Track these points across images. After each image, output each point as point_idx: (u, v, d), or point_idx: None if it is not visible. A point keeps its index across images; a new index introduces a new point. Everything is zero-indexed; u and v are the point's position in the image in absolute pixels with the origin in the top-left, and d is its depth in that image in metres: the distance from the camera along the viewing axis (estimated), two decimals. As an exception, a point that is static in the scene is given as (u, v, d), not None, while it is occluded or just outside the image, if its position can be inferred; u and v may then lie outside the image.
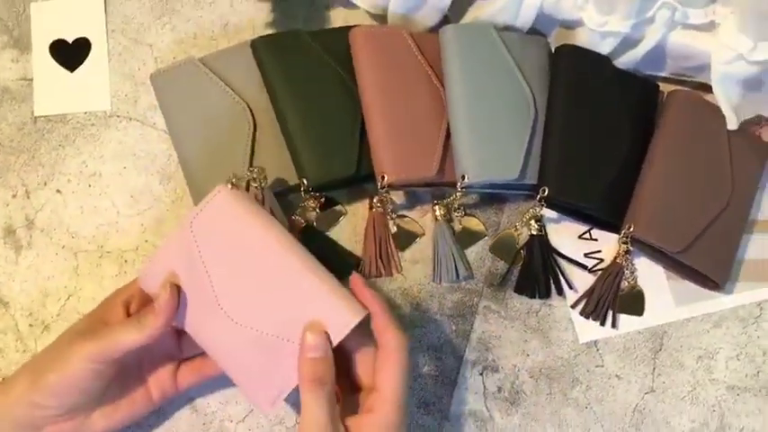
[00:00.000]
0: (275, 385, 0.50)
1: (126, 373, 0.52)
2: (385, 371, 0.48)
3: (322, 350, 0.48)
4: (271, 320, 0.50)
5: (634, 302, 0.61)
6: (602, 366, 0.60)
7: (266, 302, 0.50)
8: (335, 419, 0.46)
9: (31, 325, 0.58)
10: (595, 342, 0.60)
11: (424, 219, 0.62)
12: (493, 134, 0.58)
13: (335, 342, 0.48)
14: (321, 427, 0.46)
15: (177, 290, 0.50)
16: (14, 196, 0.60)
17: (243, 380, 0.51)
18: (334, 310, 0.49)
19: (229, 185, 0.51)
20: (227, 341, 0.51)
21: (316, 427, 0.46)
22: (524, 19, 0.60)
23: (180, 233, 0.51)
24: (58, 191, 0.60)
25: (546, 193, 0.57)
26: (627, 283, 0.61)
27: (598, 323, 0.60)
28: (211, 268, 0.50)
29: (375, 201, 0.61)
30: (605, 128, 0.59)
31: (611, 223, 0.60)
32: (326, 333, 0.48)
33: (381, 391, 0.48)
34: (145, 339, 0.49)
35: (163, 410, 0.57)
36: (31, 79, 0.62)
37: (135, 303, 0.53)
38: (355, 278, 0.52)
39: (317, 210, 0.61)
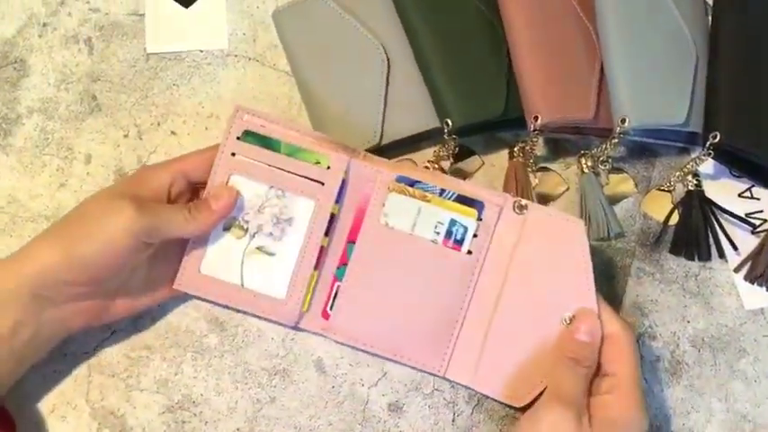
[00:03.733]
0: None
1: (157, 257, 0.48)
2: (620, 360, 0.47)
3: (596, 335, 0.47)
4: None
5: (805, 267, 0.55)
6: (772, 336, 0.54)
7: None
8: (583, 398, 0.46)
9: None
10: (762, 310, 0.54)
11: (566, 172, 0.57)
12: (654, 76, 0.52)
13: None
14: (574, 400, 0.45)
15: (236, 195, 0.49)
16: (126, 136, 0.55)
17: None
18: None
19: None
20: None
21: (569, 399, 0.45)
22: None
23: None
24: (173, 132, 0.55)
25: (717, 138, 0.51)
26: (795, 246, 0.55)
27: (765, 288, 0.54)
28: None
29: (516, 150, 0.56)
30: (777, 70, 0.54)
31: (781, 177, 0.54)
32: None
33: (619, 377, 0.46)
34: (193, 233, 0.48)
35: (287, 371, 0.52)
36: (143, 14, 0.57)
37: (177, 185, 0.48)
38: None
39: (451, 159, 0.56)
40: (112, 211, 0.44)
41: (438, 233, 0.50)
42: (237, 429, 0.50)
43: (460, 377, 0.50)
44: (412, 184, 0.50)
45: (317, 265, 0.50)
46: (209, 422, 0.51)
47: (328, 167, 0.50)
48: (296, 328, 0.51)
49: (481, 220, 0.50)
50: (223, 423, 0.50)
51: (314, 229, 0.50)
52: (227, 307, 0.51)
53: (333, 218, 0.50)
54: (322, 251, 0.50)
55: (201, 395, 0.51)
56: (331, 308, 0.51)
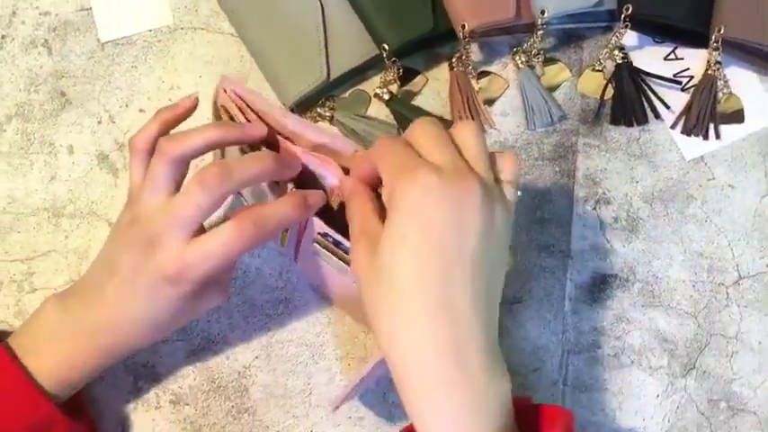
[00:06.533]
0: None
1: None
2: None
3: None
4: None
5: (733, 111, 0.60)
6: (714, 179, 0.59)
7: None
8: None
9: (143, 241, 0.58)
10: (702, 157, 0.59)
11: (505, 71, 0.61)
12: (563, -36, 0.57)
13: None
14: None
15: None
16: (99, 123, 0.60)
17: None
18: None
19: None
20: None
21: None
22: None
23: None
24: (141, 110, 0.60)
25: (630, 10, 0.56)
26: (722, 94, 0.60)
27: (701, 138, 0.59)
28: None
29: (454, 60, 0.60)
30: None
31: (698, 34, 0.59)
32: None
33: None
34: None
35: (288, 299, 0.57)
36: (90, 8, 0.62)
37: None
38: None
39: (398, 81, 0.60)
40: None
41: None
42: (256, 357, 0.56)
43: None
44: (337, 244, 0.48)
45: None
46: (230, 356, 0.56)
47: None
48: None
49: None
50: (242, 354, 0.56)
51: None
52: None
53: None
54: None
55: (218, 334, 0.57)
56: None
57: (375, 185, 0.44)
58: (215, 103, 0.50)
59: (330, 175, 0.47)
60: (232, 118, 0.49)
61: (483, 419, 0.38)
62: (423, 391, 0.38)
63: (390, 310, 0.39)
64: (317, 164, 0.47)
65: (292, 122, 0.48)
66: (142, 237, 0.45)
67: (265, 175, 0.45)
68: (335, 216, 0.49)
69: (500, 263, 0.41)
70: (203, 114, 0.51)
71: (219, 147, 0.46)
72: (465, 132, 0.42)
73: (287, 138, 0.48)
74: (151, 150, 0.47)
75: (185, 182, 0.46)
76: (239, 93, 0.49)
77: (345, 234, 0.46)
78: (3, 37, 0.61)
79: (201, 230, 0.45)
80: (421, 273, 0.38)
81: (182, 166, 0.46)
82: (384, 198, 0.41)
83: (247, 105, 0.48)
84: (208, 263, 0.44)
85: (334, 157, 0.47)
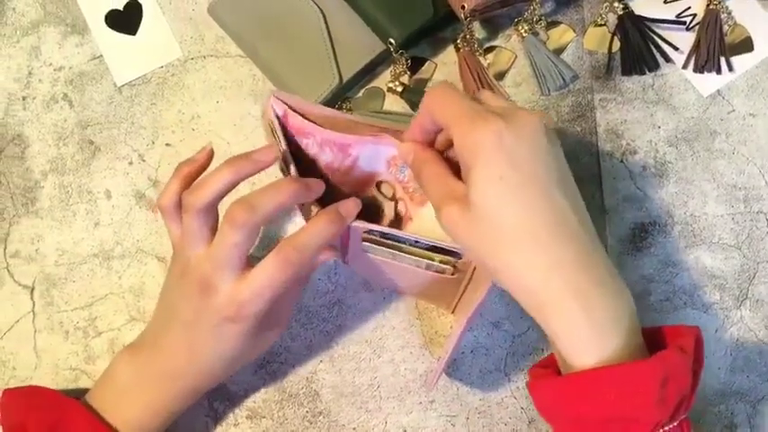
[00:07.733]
0: None
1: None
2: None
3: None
4: None
5: (741, 40, 0.60)
6: (734, 111, 0.59)
7: None
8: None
9: (193, 269, 0.60)
10: (718, 91, 0.60)
11: (510, 43, 0.62)
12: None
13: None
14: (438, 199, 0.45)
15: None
16: (131, 163, 0.62)
17: None
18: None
19: None
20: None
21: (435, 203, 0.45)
22: None
23: None
24: (168, 144, 0.62)
25: (623, -40, 0.57)
26: (727, 26, 0.60)
27: (714, 73, 0.60)
28: None
29: (459, 41, 0.61)
30: None
31: (694, -28, 0.59)
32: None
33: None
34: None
35: (341, 300, 0.59)
36: (101, 56, 0.63)
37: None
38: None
39: (408, 72, 0.62)
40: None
41: (419, 266, 0.50)
42: (321, 361, 0.58)
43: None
44: (384, 235, 0.49)
45: None
46: (295, 365, 0.58)
47: None
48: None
49: (459, 260, 0.49)
50: (306, 360, 0.58)
51: None
52: None
53: None
54: None
55: (280, 345, 0.58)
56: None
57: (432, 145, 0.47)
58: (264, 121, 0.51)
59: (389, 147, 0.50)
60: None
61: (618, 324, 0.41)
62: (558, 309, 0.41)
63: (507, 249, 0.41)
64: (372, 144, 0.50)
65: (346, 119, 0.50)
66: (195, 284, 0.47)
67: (289, 201, 0.46)
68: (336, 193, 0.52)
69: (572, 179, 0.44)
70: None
71: (238, 183, 0.47)
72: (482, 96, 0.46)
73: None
74: (178, 205, 0.49)
75: (220, 223, 0.47)
76: (290, 103, 0.49)
77: (372, 220, 0.49)
78: (24, 99, 0.63)
79: (250, 263, 0.48)
80: (525, 203, 0.40)
81: (210, 212, 0.48)
82: (456, 148, 0.42)
83: (297, 112, 0.49)
84: (261, 297, 0.46)
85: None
